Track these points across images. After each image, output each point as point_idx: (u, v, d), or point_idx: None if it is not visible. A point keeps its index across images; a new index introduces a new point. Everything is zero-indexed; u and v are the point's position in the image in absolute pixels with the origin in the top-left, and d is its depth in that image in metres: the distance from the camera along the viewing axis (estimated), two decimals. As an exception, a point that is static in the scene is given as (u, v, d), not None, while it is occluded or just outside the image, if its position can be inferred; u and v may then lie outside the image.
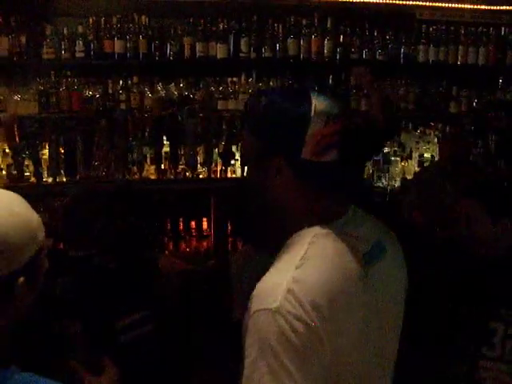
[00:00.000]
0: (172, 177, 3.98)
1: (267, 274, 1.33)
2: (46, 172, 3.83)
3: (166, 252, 3.81)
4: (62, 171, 3.83)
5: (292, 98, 1.39)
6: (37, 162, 3.78)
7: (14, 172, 3.75)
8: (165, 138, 4.00)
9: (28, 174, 3.81)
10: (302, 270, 1.28)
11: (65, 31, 3.80)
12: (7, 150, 3.79)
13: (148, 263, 2.45)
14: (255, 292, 1.30)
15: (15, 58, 3.73)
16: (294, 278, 1.26)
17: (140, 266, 2.35)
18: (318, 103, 1.36)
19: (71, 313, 2.08)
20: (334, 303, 1.28)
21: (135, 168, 3.91)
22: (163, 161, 3.99)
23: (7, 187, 3.33)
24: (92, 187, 3.32)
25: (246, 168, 1.52)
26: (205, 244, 4.02)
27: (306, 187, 1.38)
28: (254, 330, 1.26)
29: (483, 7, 4.21)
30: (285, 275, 1.28)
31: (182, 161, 4.02)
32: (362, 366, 1.37)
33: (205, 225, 4.06)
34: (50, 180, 3.82)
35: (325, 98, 1.39)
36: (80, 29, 3.82)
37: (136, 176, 3.91)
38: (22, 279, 1.31)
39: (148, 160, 3.97)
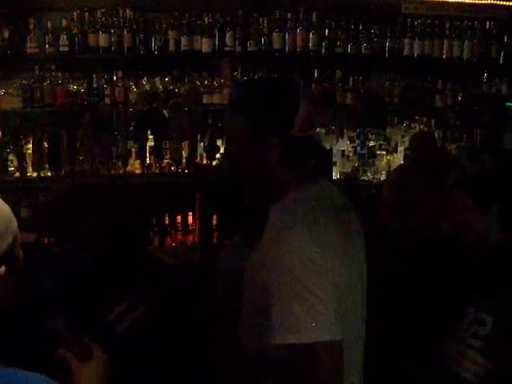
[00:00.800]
0: (157, 171, 3.98)
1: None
2: (30, 167, 3.82)
3: (152, 247, 3.80)
4: (47, 166, 3.82)
5: (284, 88, 1.65)
6: (21, 157, 3.76)
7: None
8: (149, 132, 3.99)
9: (12, 168, 3.80)
10: (295, 230, 1.49)
11: (49, 25, 3.78)
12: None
13: (133, 257, 2.44)
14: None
15: (-1, 53, 3.72)
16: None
17: (123, 260, 2.34)
18: (301, 92, 1.63)
19: (53, 310, 2.07)
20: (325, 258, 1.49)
21: (120, 162, 3.91)
22: (148, 155, 3.99)
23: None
24: (75, 182, 3.30)
25: (231, 150, 1.70)
26: (190, 238, 4.01)
27: (291, 159, 1.61)
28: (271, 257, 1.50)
29: (468, 1, 4.21)
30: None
31: (167, 155, 4.02)
32: (352, 296, 1.59)
33: (190, 219, 4.05)
34: (34, 175, 3.81)
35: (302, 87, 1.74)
36: (64, 22, 3.80)
37: (121, 171, 3.90)
38: (2, 269, 1.32)
39: (133, 154, 3.96)
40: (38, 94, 3.79)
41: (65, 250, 2.36)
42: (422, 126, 4.40)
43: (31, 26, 3.75)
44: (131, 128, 3.95)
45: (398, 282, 2.52)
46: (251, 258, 1.66)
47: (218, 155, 4.04)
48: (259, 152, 1.60)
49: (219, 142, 4.02)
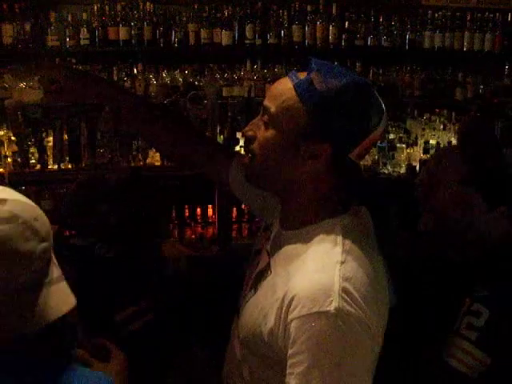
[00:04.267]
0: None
1: (305, 272, 1.28)
2: (51, 159, 3.83)
3: (172, 239, 3.81)
4: (67, 158, 3.83)
5: (369, 101, 1.35)
6: (41, 149, 3.78)
7: (19, 159, 3.75)
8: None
9: (33, 161, 3.81)
10: (347, 266, 1.26)
11: (69, 18, 3.79)
12: (12, 138, 3.79)
13: (150, 250, 2.44)
14: (299, 292, 1.24)
15: (20, 46, 3.72)
16: (343, 275, 1.24)
17: (141, 254, 2.33)
18: (385, 115, 1.36)
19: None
20: (376, 294, 1.28)
21: (140, 155, 3.91)
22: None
23: (13, 174, 3.33)
24: (96, 174, 3.31)
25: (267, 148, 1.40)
26: (210, 231, 4.02)
27: (331, 178, 1.38)
28: (308, 335, 1.21)
29: (489, -8, 4.18)
30: (332, 273, 1.25)
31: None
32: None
33: (210, 211, 4.06)
34: (55, 167, 3.82)
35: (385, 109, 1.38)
36: (84, 16, 3.80)
37: (140, 163, 3.91)
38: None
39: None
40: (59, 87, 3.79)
41: (83, 243, 2.36)
42: (442, 119, 4.38)
43: (52, 20, 3.76)
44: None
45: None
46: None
47: (237, 148, 4.04)
48: (294, 151, 1.35)
49: (239, 135, 4.02)
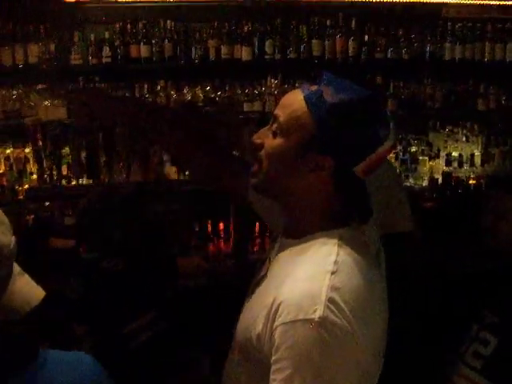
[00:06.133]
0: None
1: (295, 280, 1.28)
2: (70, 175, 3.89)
3: (190, 252, 3.81)
4: (85, 174, 3.89)
5: (377, 117, 1.35)
6: (60, 165, 3.85)
7: (40, 175, 3.82)
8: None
9: (54, 176, 3.87)
10: (338, 276, 1.26)
11: (92, 37, 3.87)
12: (32, 154, 3.86)
13: (162, 264, 2.45)
14: (286, 299, 1.25)
15: (44, 66, 3.81)
16: (332, 285, 1.24)
17: (151, 267, 2.35)
18: (392, 131, 1.36)
19: (79, 315, 2.10)
20: (367, 309, 1.28)
21: (156, 170, 3.95)
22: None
23: (36, 190, 3.37)
24: (106, 189, 3.35)
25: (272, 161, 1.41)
26: (226, 245, 4.01)
27: (333, 192, 1.38)
28: (291, 342, 1.21)
29: (510, 3, 4.15)
30: (321, 282, 1.25)
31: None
32: (379, 365, 1.37)
33: (226, 226, 4.06)
34: (74, 182, 3.88)
35: (393, 125, 1.37)
36: (107, 34, 3.89)
37: (157, 178, 3.93)
38: None
39: (169, 162, 3.98)
40: (83, 105, 3.86)
41: (93, 257, 2.40)
42: (464, 131, 4.35)
43: (75, 39, 3.84)
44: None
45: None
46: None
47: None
48: (297, 162, 1.36)
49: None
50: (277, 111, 1.42)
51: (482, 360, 1.80)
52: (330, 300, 1.21)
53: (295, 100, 1.39)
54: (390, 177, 2.42)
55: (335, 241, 1.33)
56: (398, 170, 4.27)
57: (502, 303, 1.94)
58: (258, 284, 1.45)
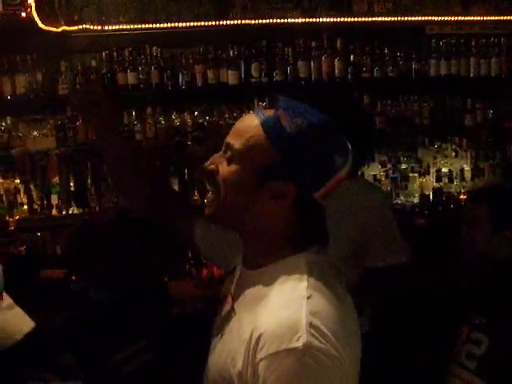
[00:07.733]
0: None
1: (271, 309, 1.24)
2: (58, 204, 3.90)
3: (182, 278, 3.79)
4: (74, 203, 3.90)
5: (335, 141, 1.32)
6: (49, 195, 3.86)
7: (29, 205, 3.83)
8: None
9: (43, 206, 3.88)
10: (313, 300, 1.23)
11: (79, 66, 3.88)
12: (21, 185, 3.87)
13: (152, 291, 2.43)
14: (265, 330, 1.20)
15: (32, 96, 3.82)
16: (310, 310, 1.20)
17: (140, 296, 2.32)
18: (349, 156, 1.33)
19: (65, 346, 2.08)
20: (346, 329, 1.25)
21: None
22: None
23: (25, 221, 3.37)
24: (91, 218, 3.33)
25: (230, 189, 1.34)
26: (218, 270, 3.98)
27: (295, 218, 1.33)
28: (277, 374, 1.16)
29: (492, 18, 4.19)
30: (298, 308, 1.21)
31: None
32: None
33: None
34: (64, 212, 3.88)
35: (349, 147, 1.34)
36: (93, 63, 3.91)
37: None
38: None
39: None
40: (71, 134, 3.88)
41: (81, 287, 2.38)
42: (453, 146, 4.37)
43: (62, 68, 3.86)
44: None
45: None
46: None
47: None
48: (257, 191, 1.31)
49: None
50: (230, 139, 1.36)
51: (476, 361, 1.82)
52: (311, 325, 1.18)
53: (251, 126, 1.33)
54: (379, 202, 2.41)
55: (303, 265, 1.30)
56: (388, 188, 4.28)
57: (486, 306, 1.97)
58: (226, 321, 1.40)
